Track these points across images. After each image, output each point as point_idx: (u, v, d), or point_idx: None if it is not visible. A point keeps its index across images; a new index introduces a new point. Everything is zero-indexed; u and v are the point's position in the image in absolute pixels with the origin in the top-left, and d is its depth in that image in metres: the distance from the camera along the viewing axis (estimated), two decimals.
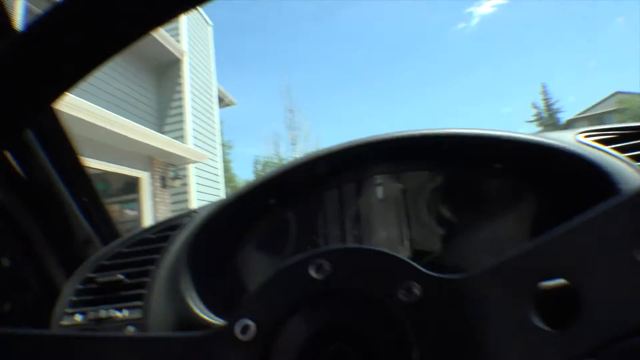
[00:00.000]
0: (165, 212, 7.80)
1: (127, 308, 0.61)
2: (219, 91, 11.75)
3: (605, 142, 0.63)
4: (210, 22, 11.47)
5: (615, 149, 0.60)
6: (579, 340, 0.21)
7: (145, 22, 0.27)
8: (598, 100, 25.92)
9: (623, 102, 22.60)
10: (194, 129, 9.60)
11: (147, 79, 8.89)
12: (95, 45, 0.27)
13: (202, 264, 0.64)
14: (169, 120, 9.30)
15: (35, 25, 0.26)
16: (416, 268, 0.26)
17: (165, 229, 0.69)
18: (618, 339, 0.21)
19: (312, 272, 0.27)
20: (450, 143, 0.66)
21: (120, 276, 0.63)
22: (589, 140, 0.63)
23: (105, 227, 0.83)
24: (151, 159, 7.65)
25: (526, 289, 0.23)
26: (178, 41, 9.26)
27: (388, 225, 0.72)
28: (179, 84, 9.38)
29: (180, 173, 8.41)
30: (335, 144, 0.69)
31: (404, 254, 0.70)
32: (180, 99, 9.35)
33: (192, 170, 9.27)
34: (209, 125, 10.66)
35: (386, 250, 0.27)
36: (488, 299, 0.24)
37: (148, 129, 7.07)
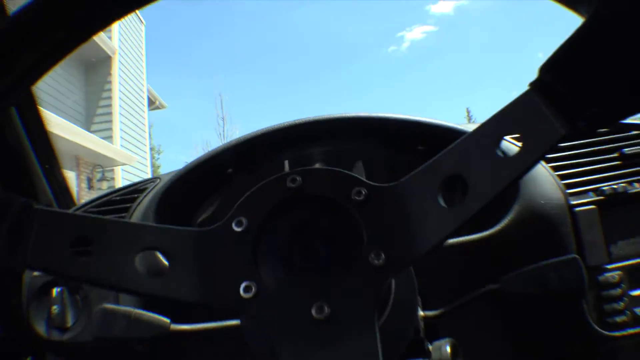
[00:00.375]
0: None
1: None
2: (150, 93, 11.43)
3: (517, 138, 0.78)
4: (143, 19, 11.17)
5: None
6: (468, 208, 0.33)
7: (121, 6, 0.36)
8: None
9: None
10: (122, 130, 9.26)
11: (76, 74, 8.48)
12: (72, 31, 0.36)
13: (168, 223, 0.71)
14: (97, 119, 8.91)
15: (21, 14, 0.33)
16: (362, 179, 0.37)
17: (131, 192, 0.76)
18: (487, 207, 0.33)
19: (289, 183, 0.37)
20: (382, 125, 0.78)
21: None
22: None
23: (63, 194, 0.88)
24: (77, 158, 7.29)
25: (434, 183, 0.35)
26: (110, 37, 8.93)
27: None
28: (109, 82, 9.03)
29: (108, 175, 8.07)
30: (279, 123, 0.79)
31: None
32: (109, 97, 8.99)
33: (120, 173, 8.92)
34: (138, 127, 10.32)
35: (342, 170, 0.38)
36: (409, 193, 0.35)
37: (75, 126, 6.74)
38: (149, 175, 10.80)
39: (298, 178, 0.37)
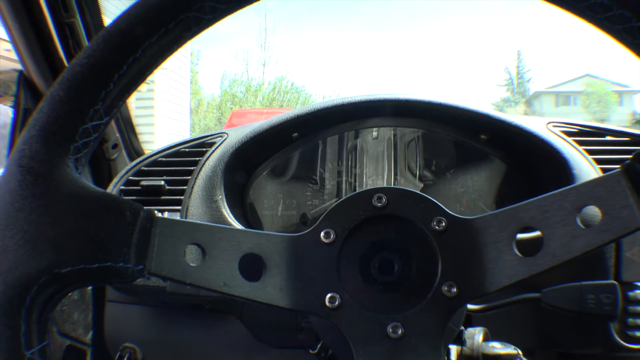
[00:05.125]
0: None
1: (168, 211, 0.73)
2: None
3: (568, 134, 0.79)
4: None
5: (575, 141, 0.77)
6: (539, 263, 0.36)
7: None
8: (568, 79, 26.49)
9: (591, 86, 23.37)
10: None
11: None
12: (167, 41, 0.37)
13: (232, 180, 0.76)
14: None
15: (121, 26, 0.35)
16: (444, 209, 0.39)
17: (198, 145, 0.80)
18: (560, 266, 0.36)
19: (374, 201, 0.40)
20: (449, 112, 0.80)
21: (162, 182, 0.75)
22: (557, 130, 0.79)
23: (129, 134, 0.93)
24: None
25: (511, 229, 0.37)
26: None
27: (378, 169, 0.87)
28: None
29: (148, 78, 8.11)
30: (346, 97, 0.82)
31: None
32: None
33: (159, 76, 8.96)
34: None
35: (426, 195, 0.40)
36: (487, 233, 0.38)
37: None
38: (187, 82, 10.87)
39: (384, 198, 0.40)
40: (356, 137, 0.87)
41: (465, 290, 0.37)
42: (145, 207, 0.36)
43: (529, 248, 0.37)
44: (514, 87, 29.11)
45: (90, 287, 0.93)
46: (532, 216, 0.37)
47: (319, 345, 0.70)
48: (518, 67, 29.65)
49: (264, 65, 20.29)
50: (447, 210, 0.39)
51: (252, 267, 0.38)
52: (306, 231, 0.40)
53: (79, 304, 0.91)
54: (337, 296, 0.38)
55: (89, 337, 0.93)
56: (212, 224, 0.39)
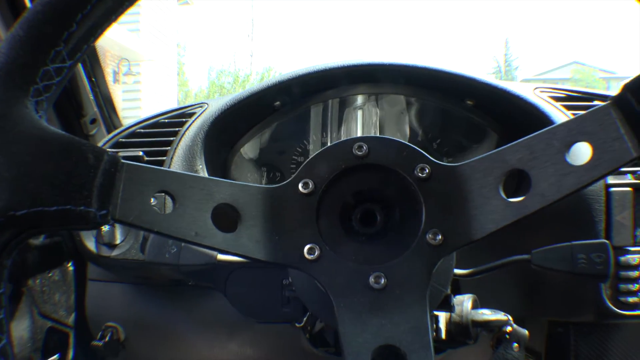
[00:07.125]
0: None
1: None
2: None
3: (556, 99, 0.77)
4: None
5: (563, 106, 0.75)
6: (527, 205, 0.35)
7: None
8: (555, 66, 26.61)
9: (578, 73, 23.56)
10: (150, 25, 9.04)
11: None
12: None
13: (213, 151, 0.74)
14: None
15: None
16: (427, 156, 0.38)
17: (178, 116, 0.78)
18: (548, 207, 0.34)
19: (355, 150, 0.38)
20: (434, 76, 0.78)
21: (141, 153, 0.72)
22: (544, 96, 0.77)
23: (109, 110, 0.90)
24: (103, 49, 7.21)
25: (497, 173, 0.36)
26: None
27: None
28: None
29: (134, 69, 8.01)
30: (329, 62, 0.79)
31: None
32: None
33: (145, 68, 8.85)
34: (165, 21, 10.05)
35: (409, 143, 0.39)
36: (472, 179, 0.36)
37: None
38: (174, 73, 10.77)
39: (365, 146, 0.38)
40: (341, 108, 0.85)
41: (451, 238, 0.36)
42: (109, 151, 0.34)
43: (517, 190, 0.36)
44: (502, 76, 29.14)
45: (71, 267, 0.90)
46: (519, 157, 0.36)
47: (304, 318, 0.69)
48: (506, 55, 29.73)
49: (251, 56, 20.17)
50: (431, 157, 0.38)
51: (225, 219, 0.36)
52: (284, 182, 0.38)
53: (59, 284, 0.88)
54: (317, 247, 0.36)
55: (71, 319, 0.90)
56: (183, 172, 0.37)
